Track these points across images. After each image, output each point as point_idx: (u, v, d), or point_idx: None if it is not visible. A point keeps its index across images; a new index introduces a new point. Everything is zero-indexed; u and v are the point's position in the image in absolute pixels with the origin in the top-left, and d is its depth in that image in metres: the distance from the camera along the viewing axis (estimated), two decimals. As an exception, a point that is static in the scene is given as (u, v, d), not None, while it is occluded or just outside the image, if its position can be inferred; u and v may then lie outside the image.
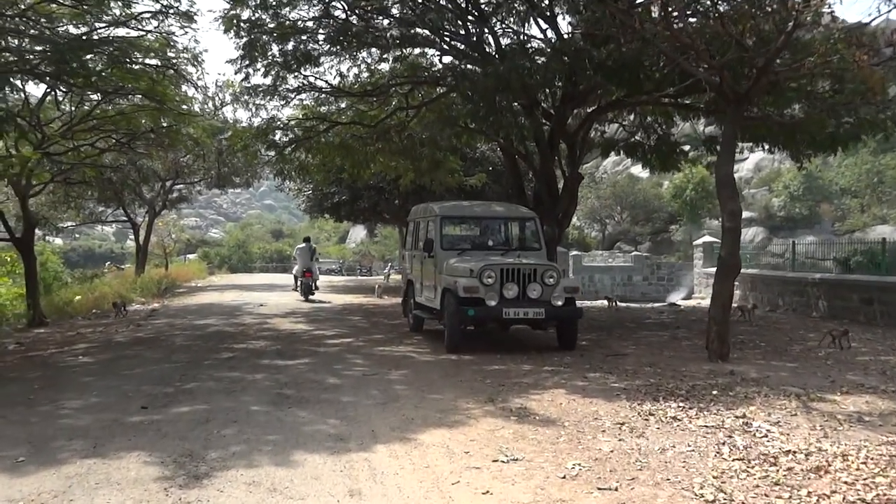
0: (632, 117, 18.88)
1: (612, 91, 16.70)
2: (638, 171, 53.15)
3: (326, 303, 21.54)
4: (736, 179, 47.20)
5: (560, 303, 11.39)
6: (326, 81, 18.66)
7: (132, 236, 34.34)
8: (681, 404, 7.84)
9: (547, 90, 15.62)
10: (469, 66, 15.55)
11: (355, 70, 18.73)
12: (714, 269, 23.52)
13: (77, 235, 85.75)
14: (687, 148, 18.82)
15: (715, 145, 17.79)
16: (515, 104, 15.54)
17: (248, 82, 17.84)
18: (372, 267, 48.43)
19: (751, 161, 51.31)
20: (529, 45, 14.74)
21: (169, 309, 19.62)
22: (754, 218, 46.49)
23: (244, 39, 16.60)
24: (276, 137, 18.74)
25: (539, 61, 13.59)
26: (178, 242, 38.19)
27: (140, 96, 19.25)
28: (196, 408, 7.71)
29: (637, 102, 16.73)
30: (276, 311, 18.29)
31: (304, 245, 23.83)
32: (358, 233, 63.08)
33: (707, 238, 26.45)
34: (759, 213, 46.44)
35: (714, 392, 8.40)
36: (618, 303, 19.09)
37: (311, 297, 22.38)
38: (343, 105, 20.49)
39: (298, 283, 23.27)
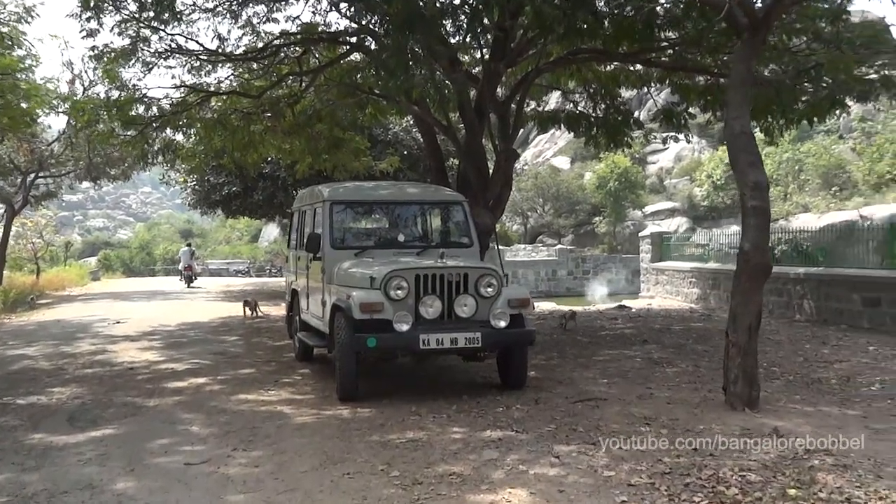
0: (571, 84, 15.11)
1: (552, 48, 13.05)
2: (559, 162, 50.03)
3: (202, 288, 27.44)
4: (657, 170, 43.06)
5: (503, 323, 7.48)
6: (201, 45, 14.41)
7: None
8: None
9: (471, 40, 11.78)
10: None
11: (237, 32, 14.61)
12: (665, 264, 20.48)
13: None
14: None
15: (671, 117, 14.16)
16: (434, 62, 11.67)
17: (93, 39, 13.51)
18: (283, 267, 43.83)
19: (671, 150, 48.70)
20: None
21: None
22: (678, 208, 43.90)
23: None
24: (137, 112, 14.39)
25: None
26: (50, 245, 32.72)
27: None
28: None
29: (585, 59, 13.02)
30: (133, 330, 13.83)
31: (185, 248, 32.63)
32: (271, 231, 58.13)
33: (654, 228, 23.11)
34: (682, 203, 43.82)
35: (793, 490, 4.61)
36: (572, 318, 13.51)
37: (191, 284, 28.97)
38: (224, 74, 16.26)
39: (182, 276, 30.06)
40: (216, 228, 68.94)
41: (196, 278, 30.60)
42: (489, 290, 7.57)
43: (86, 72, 18.07)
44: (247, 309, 15.85)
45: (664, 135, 15.29)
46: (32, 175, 23.98)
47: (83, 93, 18.14)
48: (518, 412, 6.83)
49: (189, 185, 22.75)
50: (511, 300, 7.63)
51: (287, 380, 8.72)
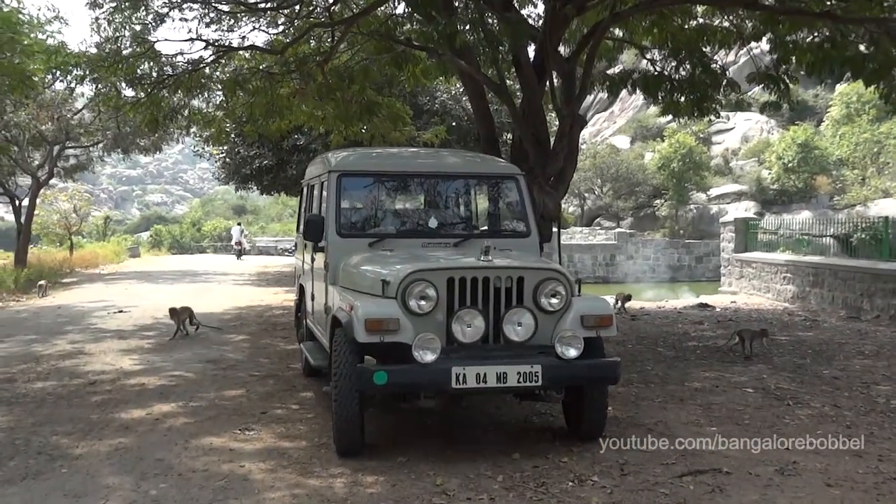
0: (647, 41, 12.40)
1: None
2: (619, 141, 46.95)
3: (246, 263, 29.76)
4: (723, 150, 39.83)
5: (574, 351, 5.00)
6: (219, -7, 12.21)
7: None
8: None
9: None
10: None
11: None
12: (752, 255, 17.10)
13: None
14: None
15: (773, 80, 11.37)
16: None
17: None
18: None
19: (738, 130, 45.36)
20: None
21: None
22: (745, 192, 40.58)
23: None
24: (144, 70, 12.25)
25: None
26: (84, 219, 30.80)
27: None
28: None
29: (671, 1, 10.40)
30: (132, 323, 11.66)
31: (236, 226, 37.44)
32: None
33: (739, 213, 20.17)
34: (750, 186, 40.45)
35: None
36: (625, 306, 12.41)
37: (241, 258, 32.56)
38: (248, 30, 14.09)
39: (234, 250, 34.23)
40: (269, 205, 67.54)
41: (247, 251, 35.23)
42: (554, 300, 5.12)
43: (115, 33, 15.96)
44: (175, 319, 10.34)
45: (761, 102, 12.47)
46: (57, 146, 22.08)
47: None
48: (597, 492, 4.39)
49: (219, 157, 20.59)
50: (585, 317, 5.15)
51: (279, 410, 6.38)
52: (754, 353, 8.71)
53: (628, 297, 12.45)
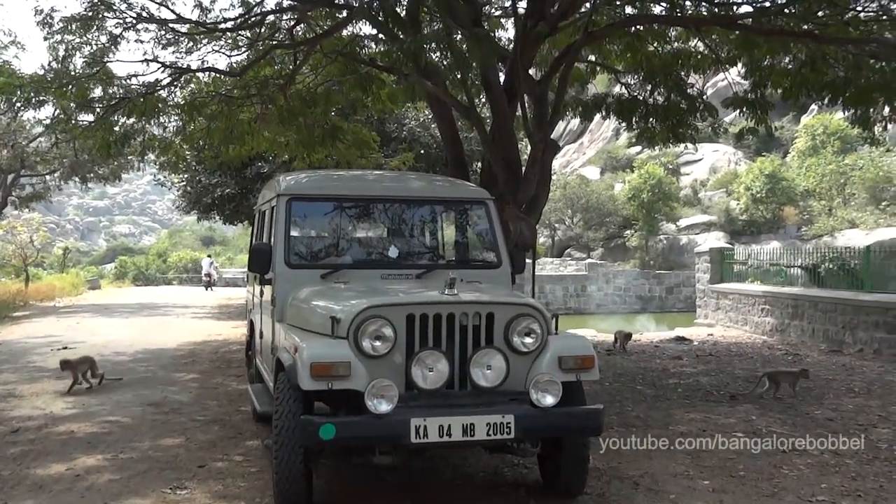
0: (621, 66, 11.97)
1: (601, 15, 10.19)
2: (589, 172, 46.81)
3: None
4: (691, 181, 39.76)
5: (551, 399, 4.34)
6: (177, 13, 11.62)
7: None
8: None
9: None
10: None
11: (223, 2, 11.73)
12: (729, 286, 15.93)
13: None
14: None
15: (750, 105, 10.94)
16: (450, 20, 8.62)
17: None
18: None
19: (706, 161, 45.47)
20: None
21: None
22: (714, 222, 40.47)
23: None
24: (98, 92, 11.55)
25: None
26: (41, 250, 29.38)
27: None
28: None
29: (648, 20, 9.97)
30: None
31: (206, 258, 37.60)
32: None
33: (713, 243, 19.65)
34: (719, 216, 40.36)
35: None
36: (624, 344, 11.55)
37: (210, 289, 32.00)
38: (207, 52, 13.42)
39: (203, 281, 33.99)
40: (238, 236, 66.41)
41: (216, 283, 35.01)
42: (528, 340, 4.47)
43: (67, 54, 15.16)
44: (70, 372, 8.49)
45: (737, 129, 12.04)
46: (12, 175, 21.12)
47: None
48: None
49: (179, 185, 19.79)
50: (564, 358, 4.49)
51: (220, 463, 5.62)
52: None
53: (629, 336, 11.83)
